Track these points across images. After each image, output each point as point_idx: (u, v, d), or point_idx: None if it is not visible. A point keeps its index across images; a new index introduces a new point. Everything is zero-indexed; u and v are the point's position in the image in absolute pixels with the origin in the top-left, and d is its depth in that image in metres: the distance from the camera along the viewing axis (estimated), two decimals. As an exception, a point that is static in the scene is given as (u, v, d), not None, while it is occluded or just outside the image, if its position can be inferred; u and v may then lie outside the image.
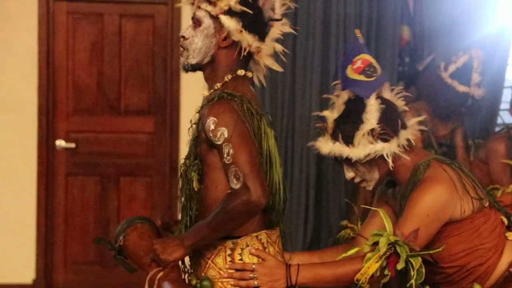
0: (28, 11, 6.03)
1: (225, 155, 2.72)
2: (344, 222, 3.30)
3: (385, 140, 2.94)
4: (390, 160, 2.94)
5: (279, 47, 2.97)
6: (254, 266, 2.82)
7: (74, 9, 6.16)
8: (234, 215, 2.71)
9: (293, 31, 3.01)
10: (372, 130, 2.93)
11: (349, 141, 2.96)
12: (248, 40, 2.87)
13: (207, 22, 2.89)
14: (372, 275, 2.79)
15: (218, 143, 2.73)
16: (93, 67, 6.17)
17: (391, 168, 2.98)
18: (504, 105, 5.99)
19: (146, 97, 6.21)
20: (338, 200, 5.98)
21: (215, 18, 2.88)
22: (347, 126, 2.97)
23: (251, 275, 2.81)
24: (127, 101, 6.19)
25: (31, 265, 6.08)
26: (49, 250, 6.12)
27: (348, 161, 2.98)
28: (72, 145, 6.14)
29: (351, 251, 2.88)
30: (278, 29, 2.95)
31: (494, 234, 2.99)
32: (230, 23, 2.86)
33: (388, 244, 2.78)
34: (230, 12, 2.86)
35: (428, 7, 6.16)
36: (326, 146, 3.00)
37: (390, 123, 2.95)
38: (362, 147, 2.94)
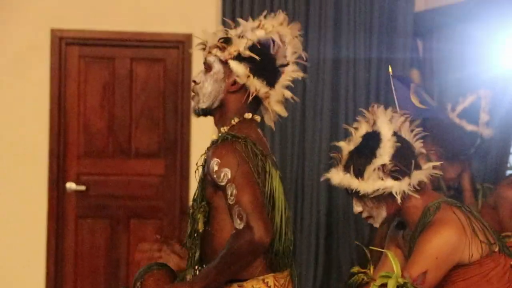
0: (41, 54, 6.08)
1: (229, 196, 2.74)
2: (355, 269, 3.29)
3: (396, 178, 2.93)
4: (398, 198, 2.92)
5: (288, 94, 2.99)
6: None
7: (86, 53, 6.21)
8: (239, 255, 2.71)
9: (302, 76, 3.04)
10: (384, 165, 2.92)
11: (359, 174, 2.94)
12: (256, 85, 2.90)
13: (217, 67, 2.94)
14: None
15: (222, 184, 2.76)
16: (104, 110, 6.21)
17: (400, 208, 2.97)
18: (515, 149, 5.98)
19: (156, 140, 6.23)
20: (349, 242, 5.96)
21: (224, 63, 2.93)
22: (360, 159, 2.96)
23: None
24: (138, 144, 6.22)
25: (41, 308, 6.07)
26: (58, 292, 6.11)
27: (356, 194, 2.97)
28: (83, 187, 6.15)
29: None
30: (289, 75, 2.98)
31: (504, 280, 2.95)
32: (238, 68, 2.90)
33: (397, 287, 2.76)
34: (239, 57, 2.91)
35: (438, 50, 6.19)
36: (337, 176, 2.99)
37: (403, 161, 2.94)
38: (372, 182, 2.92)
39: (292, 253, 2.95)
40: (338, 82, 6.01)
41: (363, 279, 3.19)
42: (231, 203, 2.74)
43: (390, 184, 2.92)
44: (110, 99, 6.22)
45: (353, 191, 2.96)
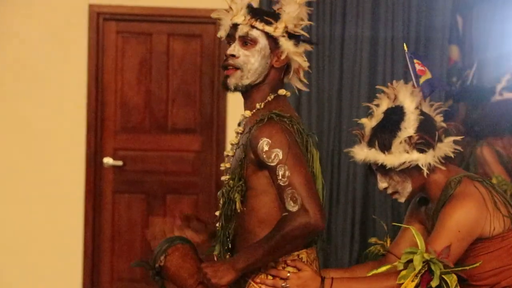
0: (79, 30, 6.11)
1: (280, 177, 2.71)
2: (373, 239, 3.28)
3: (421, 151, 2.92)
4: (425, 170, 2.92)
5: (305, 64, 2.96)
6: (288, 275, 2.81)
7: (123, 28, 6.22)
8: (292, 238, 2.69)
9: (311, 48, 2.99)
10: (410, 138, 2.92)
11: (385, 148, 2.94)
12: (300, 61, 2.90)
13: (263, 42, 2.88)
14: None
15: (272, 164, 2.72)
16: (141, 85, 6.23)
17: (424, 182, 2.97)
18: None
19: (193, 116, 6.24)
20: (385, 219, 5.94)
21: (271, 38, 2.88)
22: (384, 134, 2.96)
23: (283, 284, 2.80)
24: (174, 120, 6.23)
25: (78, 282, 6.12)
26: (95, 267, 6.16)
27: (382, 169, 2.96)
28: (120, 162, 6.19)
29: (383, 268, 2.84)
30: (303, 47, 2.96)
31: None
32: (288, 45, 2.87)
33: (422, 262, 2.76)
34: (288, 34, 2.88)
35: (477, 27, 6.12)
36: (361, 152, 2.99)
37: (428, 134, 2.94)
38: (398, 155, 2.92)
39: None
40: (375, 61, 5.96)
41: (379, 250, 3.20)
42: (283, 184, 2.70)
43: (416, 157, 2.92)
44: (147, 75, 6.24)
45: (379, 166, 2.95)
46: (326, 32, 5.93)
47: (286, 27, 2.87)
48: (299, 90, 3.01)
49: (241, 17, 2.89)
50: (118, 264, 6.20)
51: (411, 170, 2.94)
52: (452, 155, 2.97)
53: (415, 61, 3.03)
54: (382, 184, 3.01)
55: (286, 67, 2.93)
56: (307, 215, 2.65)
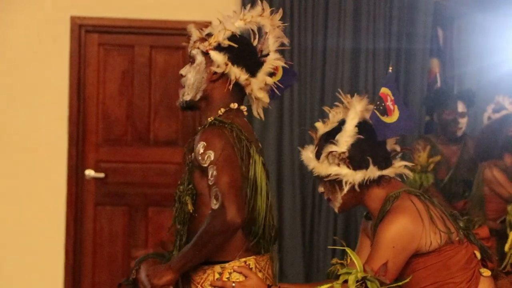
0: (60, 42, 6.10)
1: (209, 177, 2.83)
2: (334, 260, 3.32)
3: (353, 168, 2.95)
4: (345, 188, 2.95)
5: (270, 81, 3.07)
6: (233, 285, 2.87)
7: (105, 40, 6.22)
8: (212, 235, 2.79)
9: (284, 64, 3.12)
10: (341, 153, 2.95)
11: (318, 156, 3.00)
12: (235, 72, 2.99)
13: (199, 58, 3.04)
14: None
15: (205, 165, 2.84)
16: (123, 97, 6.23)
17: (361, 197, 2.99)
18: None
19: (175, 128, 6.24)
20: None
21: (206, 54, 3.02)
22: (324, 142, 3.01)
23: None
24: (156, 132, 6.23)
25: (59, 294, 6.11)
26: (77, 279, 6.13)
27: (315, 175, 3.03)
28: (101, 175, 6.17)
29: (324, 286, 2.86)
30: (271, 63, 3.07)
31: (465, 268, 2.93)
32: (218, 57, 2.99)
33: (358, 281, 2.78)
34: (219, 47, 3.01)
35: (458, 40, 6.17)
36: (305, 153, 3.05)
37: (361, 154, 2.96)
38: (326, 166, 2.96)
39: (275, 238, 3.03)
40: (357, 72, 6.00)
41: (338, 269, 3.22)
42: (210, 184, 2.82)
43: (344, 172, 2.95)
44: (129, 87, 6.24)
45: (311, 171, 3.02)
46: (308, 43, 5.96)
47: (217, 41, 3.01)
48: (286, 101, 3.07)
49: (189, 38, 3.12)
50: (99, 277, 6.17)
51: (339, 183, 2.97)
52: (396, 178, 3.01)
53: (384, 91, 3.03)
54: (320, 188, 3.07)
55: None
56: (224, 212, 2.75)
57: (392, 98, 3.02)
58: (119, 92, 6.23)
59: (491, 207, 5.13)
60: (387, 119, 2.98)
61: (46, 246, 6.08)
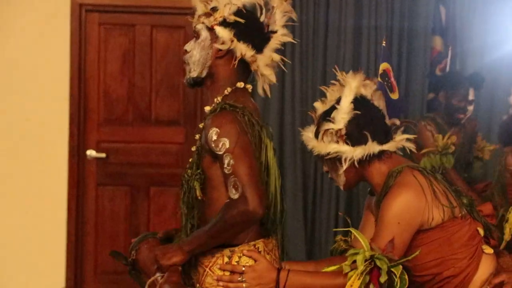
0: (61, 21, 6.07)
1: (226, 165, 2.76)
2: (338, 237, 3.31)
3: (351, 144, 2.95)
4: (344, 165, 2.95)
5: (277, 57, 3.00)
6: (243, 269, 2.84)
7: (106, 19, 6.19)
8: (232, 224, 2.76)
9: (292, 40, 3.05)
10: (338, 130, 2.95)
11: (317, 135, 3.00)
12: (241, 49, 2.92)
13: (204, 34, 2.96)
14: None
15: (220, 153, 2.77)
16: (124, 77, 6.20)
17: (363, 173, 2.99)
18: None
19: (176, 108, 6.22)
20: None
21: (211, 29, 2.94)
22: (322, 121, 3.01)
23: (239, 278, 2.84)
24: (158, 112, 6.21)
25: (61, 275, 6.10)
26: (79, 259, 6.14)
27: (315, 154, 3.02)
28: (103, 155, 6.16)
29: (332, 268, 2.84)
30: (278, 39, 3.00)
31: (468, 245, 2.94)
32: (223, 33, 2.91)
33: (366, 260, 2.77)
34: (224, 23, 2.92)
35: (461, 17, 6.13)
36: (305, 134, 3.06)
37: (359, 129, 2.95)
38: (326, 144, 2.97)
39: (280, 220, 2.99)
40: (359, 49, 5.97)
41: (342, 246, 3.21)
42: (227, 172, 2.76)
43: (343, 149, 2.95)
44: (130, 67, 6.21)
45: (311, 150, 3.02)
46: (309, 21, 5.93)
47: (222, 16, 2.92)
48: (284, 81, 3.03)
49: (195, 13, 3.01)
50: (101, 257, 6.18)
51: (341, 161, 2.97)
52: (399, 152, 3.01)
53: (384, 66, 3.02)
54: (324, 167, 3.08)
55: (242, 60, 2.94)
56: (246, 202, 2.70)
57: (393, 75, 3.02)
58: (120, 71, 6.21)
59: None
60: (393, 96, 2.98)
61: (48, 226, 6.08)
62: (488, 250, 2.97)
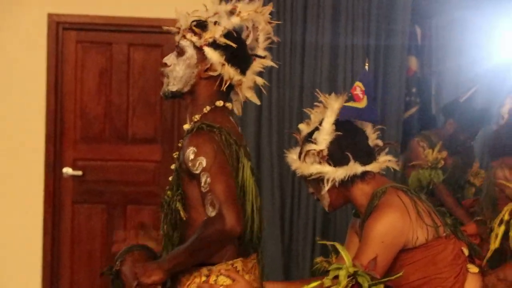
0: (38, 39, 6.06)
1: (203, 184, 2.76)
2: (319, 259, 3.32)
3: (334, 165, 2.97)
4: (326, 186, 2.98)
5: (260, 81, 3.01)
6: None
7: (83, 37, 6.19)
8: (209, 242, 2.76)
9: (274, 64, 3.06)
10: (320, 151, 2.97)
11: (300, 156, 3.02)
12: (230, 73, 2.91)
13: (190, 52, 2.93)
14: None
15: (196, 172, 2.77)
16: (101, 95, 6.20)
17: (347, 194, 3.01)
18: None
19: (153, 126, 6.22)
20: (345, 229, 5.97)
21: (198, 48, 2.92)
22: (305, 142, 3.03)
23: None
24: (135, 130, 6.21)
25: (37, 293, 6.07)
26: (55, 277, 6.10)
27: (299, 175, 3.05)
28: (79, 172, 6.14)
29: (313, 284, 2.85)
30: (260, 62, 3.00)
31: (452, 264, 2.94)
32: (213, 55, 2.90)
33: (349, 276, 2.77)
34: (214, 44, 2.91)
35: (436, 37, 6.19)
36: (290, 156, 3.08)
37: (340, 150, 2.98)
38: (308, 165, 2.99)
39: (258, 239, 2.98)
40: (336, 69, 6.00)
41: (324, 266, 3.22)
42: (204, 191, 2.76)
43: (325, 170, 2.97)
44: (107, 85, 6.21)
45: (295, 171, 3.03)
46: (286, 40, 5.96)
47: (213, 37, 2.90)
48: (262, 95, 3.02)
49: (177, 28, 2.98)
50: (77, 275, 6.14)
51: (323, 182, 2.99)
52: (382, 172, 3.03)
53: (356, 83, 3.06)
54: (309, 189, 3.10)
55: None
56: (223, 220, 2.70)
57: (363, 89, 3.04)
58: (97, 89, 6.20)
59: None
60: (352, 104, 3.01)
61: (24, 244, 6.04)
62: (473, 269, 2.97)
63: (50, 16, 6.08)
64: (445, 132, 5.47)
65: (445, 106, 5.68)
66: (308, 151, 2.98)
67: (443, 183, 5.34)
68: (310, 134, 3.04)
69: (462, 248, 2.98)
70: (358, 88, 3.04)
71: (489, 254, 3.38)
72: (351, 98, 3.03)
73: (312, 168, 2.98)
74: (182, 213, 2.88)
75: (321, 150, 2.97)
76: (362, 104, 3.03)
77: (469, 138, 5.44)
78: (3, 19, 6.04)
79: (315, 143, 2.99)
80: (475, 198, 5.31)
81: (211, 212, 2.73)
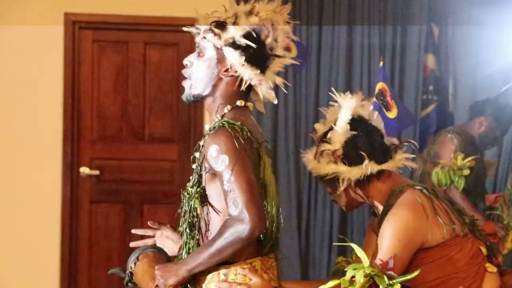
0: (54, 39, 6.08)
1: (225, 182, 2.74)
2: (339, 258, 3.31)
3: (349, 164, 2.96)
4: (342, 185, 2.97)
5: (279, 80, 3.00)
6: (239, 287, 2.82)
7: (99, 37, 6.21)
8: (231, 242, 2.73)
9: (295, 62, 3.04)
10: (334, 151, 2.97)
11: (316, 156, 3.03)
12: (250, 73, 2.90)
13: (210, 52, 2.93)
14: None
15: (219, 170, 2.76)
16: (118, 94, 6.21)
17: (364, 194, 3.00)
18: None
19: (170, 125, 6.23)
20: (363, 228, 5.96)
21: (218, 49, 2.92)
22: (321, 142, 3.03)
23: None
24: (151, 129, 6.22)
25: (55, 292, 6.10)
26: (72, 277, 6.12)
27: (315, 175, 3.04)
28: (96, 172, 6.16)
29: (330, 284, 2.84)
30: (279, 62, 2.99)
31: (470, 264, 2.93)
32: (233, 56, 2.89)
33: (366, 276, 2.75)
34: (234, 44, 2.90)
35: (453, 35, 6.17)
36: (306, 156, 3.08)
37: (355, 150, 2.98)
38: (324, 165, 2.99)
39: (276, 238, 2.96)
40: (352, 68, 5.99)
41: (344, 266, 3.21)
42: (227, 189, 2.74)
43: (340, 170, 2.97)
44: (123, 84, 6.22)
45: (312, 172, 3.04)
46: (302, 40, 5.95)
47: (233, 38, 2.90)
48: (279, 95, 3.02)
49: (198, 28, 2.97)
50: (95, 274, 6.16)
51: (339, 181, 2.99)
52: (399, 171, 3.02)
53: (381, 85, 3.03)
54: (327, 189, 3.09)
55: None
56: (245, 220, 2.69)
57: (390, 93, 3.03)
58: (114, 89, 6.22)
59: None
60: (390, 115, 2.99)
61: (42, 244, 6.07)
62: (492, 268, 2.96)
63: (66, 15, 6.10)
64: (475, 130, 5.40)
65: (476, 103, 5.60)
66: (323, 151, 2.99)
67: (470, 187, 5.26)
68: (325, 133, 3.04)
69: (480, 247, 2.97)
70: (387, 93, 3.02)
71: (505, 252, 3.36)
72: (387, 106, 3.00)
73: (327, 168, 2.98)
74: (199, 210, 2.86)
75: (336, 150, 2.97)
76: (394, 112, 3.01)
77: (503, 134, 5.40)
78: (19, 19, 6.06)
79: (330, 143, 2.99)
80: (498, 194, 5.24)
81: (234, 211, 2.71)
